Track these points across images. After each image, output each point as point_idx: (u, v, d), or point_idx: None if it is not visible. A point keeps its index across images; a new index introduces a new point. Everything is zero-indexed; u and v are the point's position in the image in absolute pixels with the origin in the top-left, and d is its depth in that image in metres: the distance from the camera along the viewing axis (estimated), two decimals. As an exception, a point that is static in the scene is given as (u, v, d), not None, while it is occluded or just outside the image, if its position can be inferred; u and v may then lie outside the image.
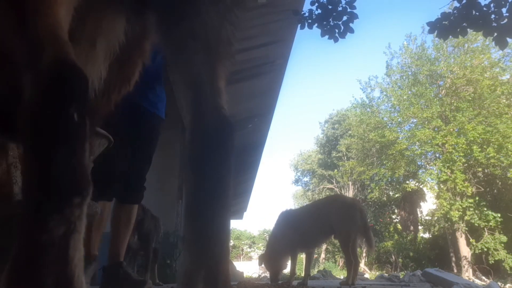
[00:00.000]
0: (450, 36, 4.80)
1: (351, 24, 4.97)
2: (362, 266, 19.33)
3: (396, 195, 24.04)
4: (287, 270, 5.67)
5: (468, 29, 4.79)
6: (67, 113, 0.77)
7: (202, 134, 1.02)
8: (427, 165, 19.52)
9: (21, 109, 0.79)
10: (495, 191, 18.59)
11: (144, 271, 4.74)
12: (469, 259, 17.09)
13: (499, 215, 16.18)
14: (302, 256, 5.02)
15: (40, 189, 0.75)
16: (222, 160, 1.01)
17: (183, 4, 1.04)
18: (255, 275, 18.19)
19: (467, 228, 17.10)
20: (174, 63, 1.17)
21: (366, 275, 15.27)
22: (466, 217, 16.58)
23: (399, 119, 19.98)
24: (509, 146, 15.92)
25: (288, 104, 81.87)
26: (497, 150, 16.17)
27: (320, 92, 79.74)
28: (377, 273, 17.07)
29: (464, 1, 4.61)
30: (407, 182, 21.16)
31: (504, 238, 16.03)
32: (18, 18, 0.86)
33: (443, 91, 19.22)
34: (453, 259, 18.30)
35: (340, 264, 24.62)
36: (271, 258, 4.71)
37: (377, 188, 22.33)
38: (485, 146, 16.55)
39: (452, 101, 18.54)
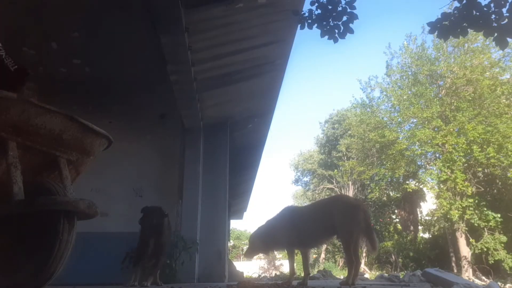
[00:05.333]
0: (451, 36, 4.80)
1: (351, 25, 4.95)
2: (362, 266, 19.33)
3: (396, 195, 24.04)
4: (287, 270, 5.65)
5: (469, 29, 4.78)
6: None
7: None
8: (427, 165, 19.50)
9: None
10: (495, 191, 18.57)
11: (148, 274, 4.73)
12: (469, 259, 17.09)
13: (499, 215, 16.17)
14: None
15: None
16: None
17: None
18: (255, 275, 18.18)
19: (467, 228, 17.09)
20: None
21: (366, 275, 15.27)
22: (466, 217, 16.57)
23: (399, 119, 19.96)
24: (509, 146, 15.90)
25: (288, 104, 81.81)
26: (497, 150, 16.16)
27: (320, 92, 79.72)
28: (377, 273, 17.09)
29: (464, 1, 4.61)
30: (407, 182, 21.15)
31: (504, 238, 16.03)
32: None
33: (443, 91, 19.21)
34: (453, 259, 18.30)
35: (340, 264, 24.64)
36: (259, 238, 4.69)
37: (377, 188, 22.33)
38: (485, 146, 16.53)
39: (452, 101, 18.53)
